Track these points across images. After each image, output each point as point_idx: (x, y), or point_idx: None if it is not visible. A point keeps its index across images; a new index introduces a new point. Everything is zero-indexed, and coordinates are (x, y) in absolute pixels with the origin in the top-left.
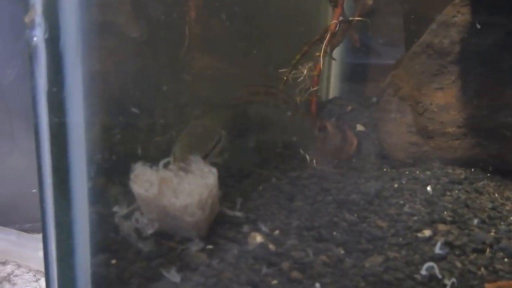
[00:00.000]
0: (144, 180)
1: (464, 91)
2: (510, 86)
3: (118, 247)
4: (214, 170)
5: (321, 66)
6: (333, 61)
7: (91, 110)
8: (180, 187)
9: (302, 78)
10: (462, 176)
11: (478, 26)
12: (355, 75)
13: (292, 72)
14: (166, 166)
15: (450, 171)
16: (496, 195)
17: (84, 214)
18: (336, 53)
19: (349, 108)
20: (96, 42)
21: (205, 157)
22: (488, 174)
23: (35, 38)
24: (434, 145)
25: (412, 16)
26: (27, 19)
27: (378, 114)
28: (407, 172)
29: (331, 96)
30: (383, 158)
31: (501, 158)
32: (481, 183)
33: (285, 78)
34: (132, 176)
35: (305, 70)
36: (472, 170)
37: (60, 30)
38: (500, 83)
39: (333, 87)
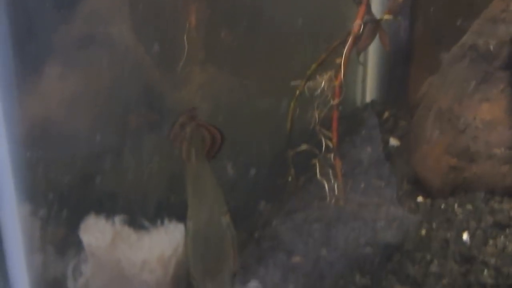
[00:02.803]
0: (96, 230)
1: None
2: None
3: None
4: (181, 226)
5: (343, 75)
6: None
7: None
8: (139, 242)
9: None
10: None
11: None
12: (395, 76)
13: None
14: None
15: (496, 205)
16: None
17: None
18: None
19: (386, 115)
20: None
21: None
22: None
23: None
24: (478, 170)
25: (455, 13)
26: None
27: (412, 131)
28: (442, 207)
29: (368, 99)
30: (416, 184)
31: None
32: None
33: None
34: (82, 225)
35: (323, 81)
36: None
37: None
38: None
39: (370, 89)
